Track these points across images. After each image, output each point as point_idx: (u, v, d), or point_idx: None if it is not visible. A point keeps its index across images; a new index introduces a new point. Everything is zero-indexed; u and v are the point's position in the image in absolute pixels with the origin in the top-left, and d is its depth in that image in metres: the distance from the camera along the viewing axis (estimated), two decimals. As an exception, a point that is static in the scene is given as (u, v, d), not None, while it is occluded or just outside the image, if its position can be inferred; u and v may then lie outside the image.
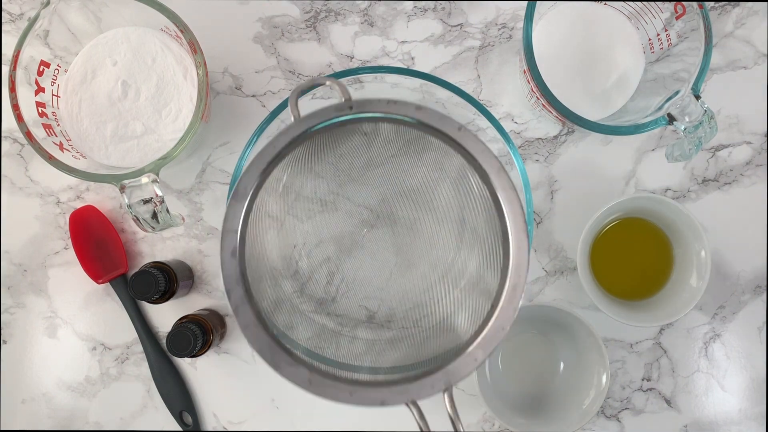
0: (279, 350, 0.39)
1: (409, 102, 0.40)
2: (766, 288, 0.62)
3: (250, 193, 0.40)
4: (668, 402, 0.62)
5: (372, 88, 0.60)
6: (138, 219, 0.49)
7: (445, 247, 0.51)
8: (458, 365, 0.39)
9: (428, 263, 0.50)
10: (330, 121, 0.40)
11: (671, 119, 0.51)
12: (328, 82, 0.43)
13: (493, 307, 0.40)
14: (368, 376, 0.41)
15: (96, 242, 0.61)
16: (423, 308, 0.49)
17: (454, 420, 0.38)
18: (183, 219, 0.61)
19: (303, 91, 0.43)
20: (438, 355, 0.42)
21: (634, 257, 0.61)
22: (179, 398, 0.61)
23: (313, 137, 0.42)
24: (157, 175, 0.50)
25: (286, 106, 0.52)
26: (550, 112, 0.56)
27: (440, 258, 0.51)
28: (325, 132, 0.42)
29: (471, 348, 0.39)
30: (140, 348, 0.62)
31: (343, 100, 0.41)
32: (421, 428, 0.38)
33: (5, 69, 0.61)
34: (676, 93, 0.52)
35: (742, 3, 0.62)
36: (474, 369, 0.39)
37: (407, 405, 0.38)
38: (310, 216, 0.51)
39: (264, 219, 0.45)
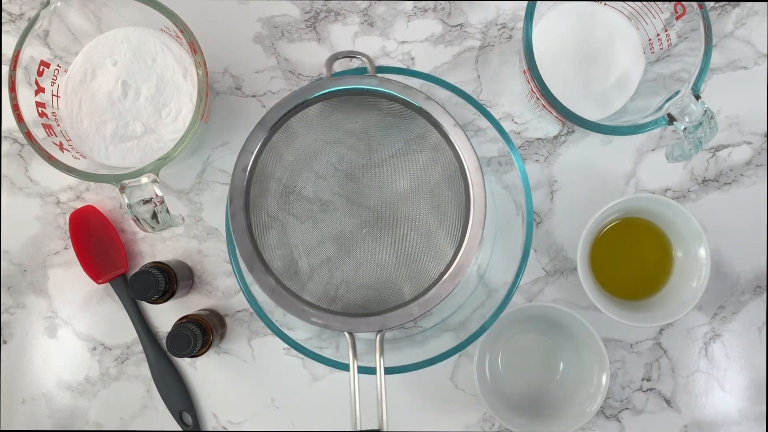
0: (257, 259, 0.45)
1: (420, 92, 0.46)
2: (766, 288, 0.62)
3: (272, 124, 0.46)
4: (668, 402, 0.62)
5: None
6: (138, 219, 0.49)
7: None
8: (396, 315, 0.45)
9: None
10: (355, 87, 0.47)
11: (671, 119, 0.51)
12: (359, 56, 0.49)
13: (439, 277, 0.45)
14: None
15: (96, 242, 0.61)
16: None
17: (378, 357, 0.44)
18: (183, 219, 0.61)
19: (338, 57, 0.49)
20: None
21: (634, 257, 0.61)
22: (179, 398, 0.61)
23: (333, 99, 0.47)
24: (157, 175, 0.50)
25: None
26: (550, 112, 0.56)
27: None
28: (346, 98, 0.47)
29: (410, 305, 0.45)
30: (140, 348, 0.62)
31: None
32: (351, 356, 0.44)
33: (5, 69, 0.61)
34: (676, 93, 0.52)
35: (742, 3, 0.62)
36: (408, 321, 0.44)
37: (345, 334, 0.45)
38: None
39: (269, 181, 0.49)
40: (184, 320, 0.58)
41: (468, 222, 0.45)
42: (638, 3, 0.57)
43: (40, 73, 0.54)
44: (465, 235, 0.45)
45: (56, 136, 0.54)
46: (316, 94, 0.46)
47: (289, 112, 0.46)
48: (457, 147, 0.46)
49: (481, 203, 0.45)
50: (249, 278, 0.53)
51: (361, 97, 0.47)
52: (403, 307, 0.45)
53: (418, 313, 0.44)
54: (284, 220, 0.51)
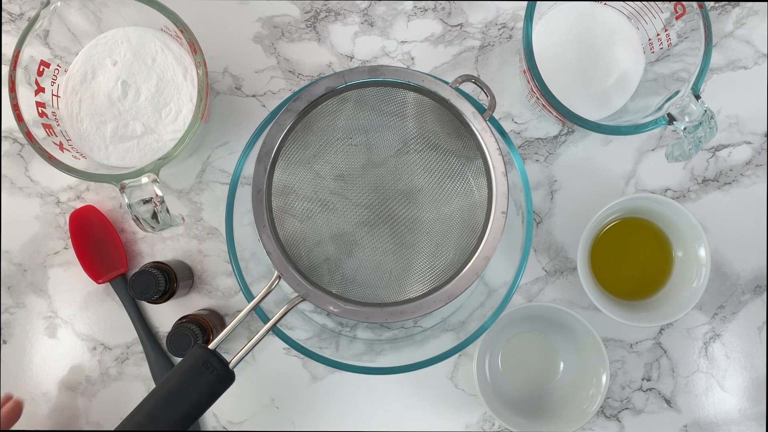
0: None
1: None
2: (766, 288, 0.62)
3: (305, 106, 0.47)
4: (668, 402, 0.62)
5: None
6: (138, 219, 0.49)
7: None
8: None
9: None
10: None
11: (671, 119, 0.51)
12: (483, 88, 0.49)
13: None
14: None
15: (96, 242, 0.61)
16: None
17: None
18: (183, 219, 0.61)
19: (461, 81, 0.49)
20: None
21: (634, 257, 0.61)
22: (179, 398, 0.61)
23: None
24: (157, 175, 0.50)
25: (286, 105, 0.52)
26: (550, 112, 0.56)
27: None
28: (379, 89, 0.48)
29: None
30: (140, 348, 0.62)
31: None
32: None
33: (5, 69, 0.61)
34: (676, 93, 0.52)
35: (742, 3, 0.62)
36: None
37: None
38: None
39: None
40: (184, 320, 0.58)
41: (490, 212, 0.47)
42: (638, 3, 0.57)
43: (40, 73, 0.54)
44: (487, 227, 0.47)
45: (56, 136, 0.54)
46: (351, 82, 0.47)
47: (320, 99, 0.47)
48: (482, 142, 0.47)
49: (504, 201, 0.47)
50: (249, 278, 0.53)
51: (394, 90, 0.48)
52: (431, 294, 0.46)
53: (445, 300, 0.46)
54: (314, 208, 0.52)
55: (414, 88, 0.48)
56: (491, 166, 0.47)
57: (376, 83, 0.48)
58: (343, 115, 0.50)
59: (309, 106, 0.47)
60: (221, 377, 0.44)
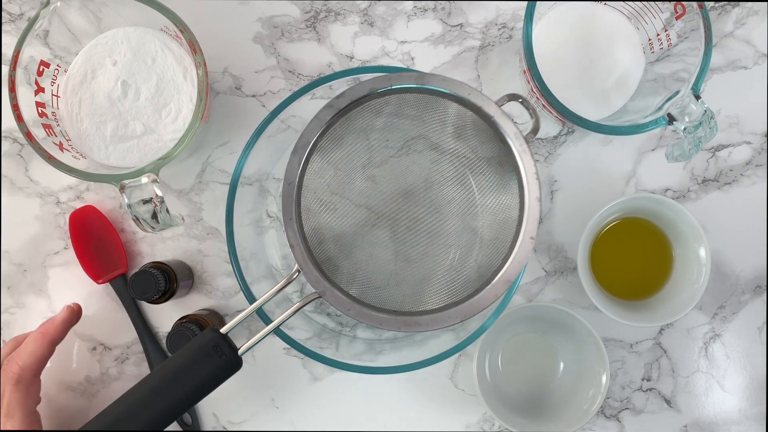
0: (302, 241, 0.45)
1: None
2: (766, 288, 0.62)
3: (329, 119, 0.46)
4: (668, 402, 0.62)
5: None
6: (138, 219, 0.49)
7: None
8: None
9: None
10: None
11: (671, 119, 0.51)
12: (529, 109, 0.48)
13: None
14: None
15: (96, 242, 0.61)
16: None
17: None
18: (183, 219, 0.61)
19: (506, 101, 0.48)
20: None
21: (634, 257, 0.61)
22: (179, 398, 0.61)
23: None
24: (157, 175, 0.50)
25: (286, 105, 0.52)
26: (550, 112, 0.56)
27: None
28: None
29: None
30: (140, 348, 0.62)
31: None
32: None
33: (5, 69, 0.61)
34: (676, 93, 0.52)
35: (742, 3, 0.62)
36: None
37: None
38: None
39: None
40: (184, 320, 0.58)
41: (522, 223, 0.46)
42: (638, 3, 0.57)
43: (40, 73, 0.54)
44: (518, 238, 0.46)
45: (56, 136, 0.54)
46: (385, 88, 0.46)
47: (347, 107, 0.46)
48: (520, 164, 0.47)
49: (535, 216, 0.46)
50: (249, 278, 0.53)
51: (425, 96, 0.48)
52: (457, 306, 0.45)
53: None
54: (341, 207, 0.51)
55: (458, 100, 0.47)
56: (526, 190, 0.46)
57: (420, 90, 0.47)
58: (382, 117, 0.50)
59: (351, 105, 0.46)
60: (229, 362, 0.44)
